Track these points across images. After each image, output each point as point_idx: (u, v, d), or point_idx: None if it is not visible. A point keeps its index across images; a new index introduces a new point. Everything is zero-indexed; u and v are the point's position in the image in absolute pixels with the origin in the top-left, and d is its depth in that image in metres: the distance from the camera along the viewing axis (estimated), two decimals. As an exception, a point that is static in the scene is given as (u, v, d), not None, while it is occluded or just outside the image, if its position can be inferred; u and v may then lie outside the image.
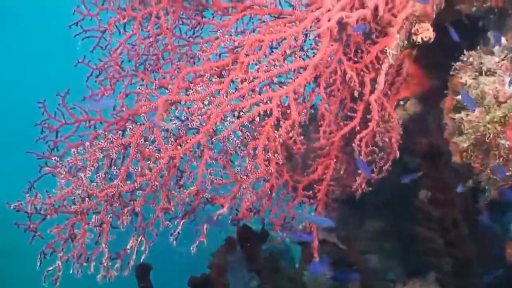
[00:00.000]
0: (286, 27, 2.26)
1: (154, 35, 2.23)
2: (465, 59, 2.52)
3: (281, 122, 2.13)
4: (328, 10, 2.27)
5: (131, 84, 2.29)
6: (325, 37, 2.20)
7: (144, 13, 2.17)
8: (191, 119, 2.07)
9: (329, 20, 2.21)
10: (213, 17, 2.44)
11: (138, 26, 2.17)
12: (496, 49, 2.52)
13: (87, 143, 2.00)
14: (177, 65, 2.26)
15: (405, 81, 2.60)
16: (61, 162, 1.93)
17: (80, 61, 2.24)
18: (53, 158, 1.94)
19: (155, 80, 2.23)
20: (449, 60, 2.57)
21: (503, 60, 2.36)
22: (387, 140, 2.38)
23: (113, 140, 1.98)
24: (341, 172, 2.39)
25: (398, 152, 2.41)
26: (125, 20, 2.17)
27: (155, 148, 2.02)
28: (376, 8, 2.32)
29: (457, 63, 2.55)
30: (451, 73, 2.55)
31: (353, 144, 2.28)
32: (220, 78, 2.18)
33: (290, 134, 2.15)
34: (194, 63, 2.35)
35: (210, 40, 2.37)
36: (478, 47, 2.54)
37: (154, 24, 2.18)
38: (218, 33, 2.23)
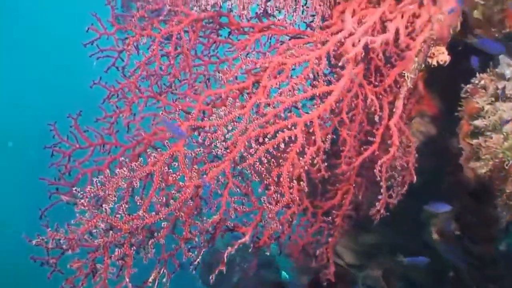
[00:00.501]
0: (309, 50, 2.21)
1: (174, 56, 2.14)
2: (476, 82, 2.53)
3: (305, 149, 2.09)
4: (350, 34, 2.24)
5: (146, 106, 2.19)
6: (349, 61, 2.16)
7: (164, 33, 2.08)
8: (214, 145, 2.01)
9: (353, 45, 2.18)
10: (229, 35, 2.37)
11: (157, 46, 2.08)
12: (508, 72, 2.53)
13: (107, 171, 1.90)
14: (194, 85, 2.18)
15: (417, 103, 2.59)
16: (81, 191, 1.82)
17: (96, 82, 2.12)
18: (74, 189, 1.82)
19: (174, 102, 2.14)
20: (456, 80, 2.58)
21: (519, 85, 2.36)
22: (404, 164, 2.37)
23: (137, 168, 1.89)
24: (359, 196, 2.36)
25: (415, 176, 2.40)
26: (145, 41, 2.07)
27: (178, 176, 1.95)
28: (397, 31, 2.29)
29: (468, 85, 2.56)
30: (463, 95, 2.56)
31: (375, 170, 2.25)
32: (240, 101, 2.11)
33: (315, 161, 2.11)
34: (211, 84, 2.28)
35: (227, 60, 2.29)
36: (488, 70, 2.56)
37: (174, 44, 2.08)
38: (240, 55, 2.16)
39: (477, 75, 2.57)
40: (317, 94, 2.13)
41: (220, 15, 2.25)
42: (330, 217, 2.33)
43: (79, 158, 2.14)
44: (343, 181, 2.33)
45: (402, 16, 2.32)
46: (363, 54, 2.18)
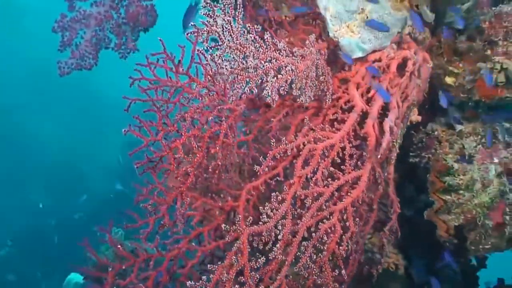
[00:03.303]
0: (332, 133, 2.26)
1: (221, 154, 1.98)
2: (429, 131, 2.86)
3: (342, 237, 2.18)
4: (363, 111, 2.35)
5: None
6: (371, 143, 2.28)
7: (212, 132, 1.91)
8: (269, 249, 1.99)
9: (373, 126, 2.30)
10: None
11: (204, 146, 1.90)
12: (458, 126, 2.87)
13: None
14: (233, 179, 2.09)
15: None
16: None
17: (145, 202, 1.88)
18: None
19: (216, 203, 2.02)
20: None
21: (478, 144, 2.73)
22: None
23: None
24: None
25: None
26: (194, 144, 1.87)
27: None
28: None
29: (421, 135, 2.89)
30: (419, 145, 2.90)
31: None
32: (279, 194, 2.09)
33: (350, 246, 2.22)
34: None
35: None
36: (436, 119, 2.91)
37: (222, 144, 1.94)
38: (272, 142, 2.13)
39: (428, 125, 2.91)
40: (349, 180, 2.22)
41: (249, 100, 2.15)
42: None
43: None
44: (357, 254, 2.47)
45: (400, 88, 2.49)
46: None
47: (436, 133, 2.86)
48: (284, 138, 2.17)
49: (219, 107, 1.90)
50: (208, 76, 1.87)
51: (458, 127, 2.84)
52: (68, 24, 2.68)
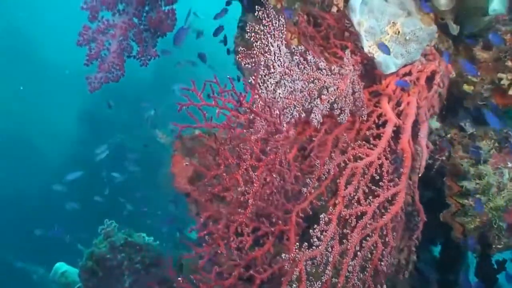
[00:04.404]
0: (369, 149, 2.29)
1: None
2: (442, 134, 2.94)
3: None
4: (396, 125, 2.38)
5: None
6: (407, 159, 2.32)
7: (269, 161, 1.90)
8: (322, 271, 2.02)
9: (408, 142, 2.34)
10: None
11: (260, 175, 1.89)
12: (468, 126, 2.96)
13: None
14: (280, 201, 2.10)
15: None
16: None
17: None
18: None
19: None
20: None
21: (492, 148, 2.83)
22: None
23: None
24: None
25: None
26: (251, 173, 1.85)
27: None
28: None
29: (433, 137, 2.96)
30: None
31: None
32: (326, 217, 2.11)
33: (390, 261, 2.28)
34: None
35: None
36: (447, 120, 2.98)
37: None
38: (316, 163, 2.14)
39: (441, 127, 2.98)
40: (388, 197, 2.26)
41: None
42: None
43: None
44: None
45: (428, 101, 2.53)
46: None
47: (449, 135, 2.93)
48: (327, 158, 2.18)
49: (276, 136, 1.89)
50: (266, 107, 1.84)
51: (470, 129, 2.92)
52: (93, 36, 2.56)
